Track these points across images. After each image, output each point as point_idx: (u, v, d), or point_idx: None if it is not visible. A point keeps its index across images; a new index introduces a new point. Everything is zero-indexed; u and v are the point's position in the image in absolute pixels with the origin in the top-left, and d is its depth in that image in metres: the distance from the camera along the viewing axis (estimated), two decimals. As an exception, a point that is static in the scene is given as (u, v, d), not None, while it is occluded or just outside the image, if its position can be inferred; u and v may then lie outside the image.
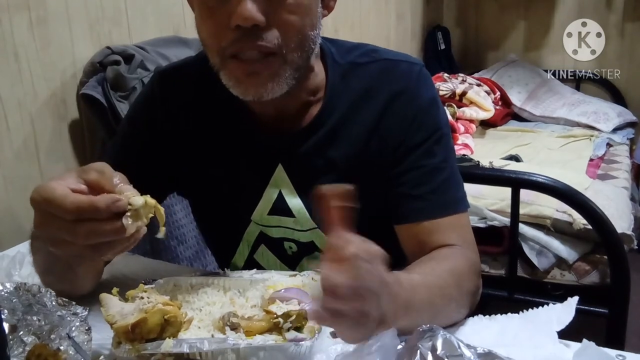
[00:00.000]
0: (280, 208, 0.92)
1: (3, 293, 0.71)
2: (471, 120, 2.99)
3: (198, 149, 0.93)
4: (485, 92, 3.16)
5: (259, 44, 0.76)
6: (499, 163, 2.38)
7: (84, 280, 0.83)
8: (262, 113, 0.89)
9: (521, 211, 1.55)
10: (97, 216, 0.61)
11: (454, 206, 0.87)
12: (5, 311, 0.70)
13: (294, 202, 0.91)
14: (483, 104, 3.03)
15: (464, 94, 3.02)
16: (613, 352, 0.70)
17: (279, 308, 0.70)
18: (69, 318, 0.70)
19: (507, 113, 3.34)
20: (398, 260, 0.84)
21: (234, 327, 0.69)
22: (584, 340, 0.69)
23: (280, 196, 0.91)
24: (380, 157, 0.88)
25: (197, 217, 1.07)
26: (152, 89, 0.96)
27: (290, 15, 0.76)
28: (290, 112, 0.89)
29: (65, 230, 0.62)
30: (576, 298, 0.77)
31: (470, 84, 3.12)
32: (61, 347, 0.68)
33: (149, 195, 0.65)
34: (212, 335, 0.69)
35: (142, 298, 0.69)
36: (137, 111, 0.97)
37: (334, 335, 0.74)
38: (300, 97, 0.88)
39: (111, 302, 0.69)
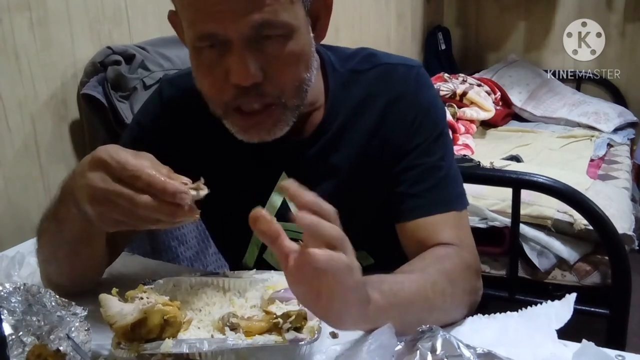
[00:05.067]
0: (285, 214, 0.92)
1: (3, 293, 0.72)
2: (472, 121, 2.99)
3: (203, 155, 0.94)
4: (486, 92, 3.16)
5: (259, 97, 0.78)
6: (499, 163, 2.38)
7: (85, 268, 0.85)
8: None
9: (522, 212, 1.54)
10: (161, 197, 0.66)
11: (451, 204, 0.87)
12: (5, 311, 0.70)
13: None
14: (484, 104, 3.03)
15: (464, 94, 3.02)
16: (612, 353, 0.70)
17: (278, 308, 0.70)
18: (68, 318, 0.71)
19: (508, 113, 3.34)
20: (401, 260, 0.84)
21: (234, 328, 0.69)
22: (584, 340, 0.69)
23: (284, 203, 0.92)
24: (381, 160, 0.89)
25: (204, 219, 1.08)
26: (159, 96, 0.98)
27: (287, 67, 0.78)
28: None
29: (125, 196, 0.66)
30: (574, 295, 0.77)
31: (470, 84, 3.12)
32: (61, 348, 0.68)
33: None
34: (212, 336, 0.69)
35: (142, 298, 0.69)
36: (144, 118, 0.99)
37: (333, 335, 0.74)
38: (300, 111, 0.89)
39: (111, 302, 0.69)
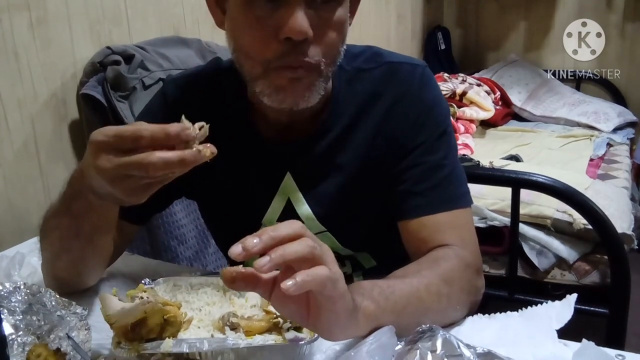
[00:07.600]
0: (289, 215, 0.92)
1: (3, 293, 0.72)
2: (471, 120, 2.99)
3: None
4: (486, 92, 3.16)
5: (303, 59, 0.77)
6: (499, 163, 2.39)
7: (98, 260, 0.85)
8: (274, 121, 0.89)
9: (521, 211, 1.54)
10: (169, 143, 0.64)
11: (454, 202, 0.87)
12: (5, 311, 0.70)
13: (303, 208, 0.92)
14: (483, 104, 3.03)
15: (464, 94, 3.02)
16: (612, 352, 0.70)
17: (278, 308, 0.70)
18: (68, 318, 0.71)
19: (507, 113, 3.34)
20: (403, 262, 0.84)
21: (234, 327, 0.69)
22: (584, 340, 0.69)
23: (289, 204, 0.92)
24: (385, 158, 0.89)
25: (206, 219, 1.07)
26: (163, 96, 0.97)
27: (332, 32, 0.78)
28: (301, 119, 0.89)
29: (134, 164, 0.64)
30: (575, 296, 0.77)
31: (470, 84, 3.12)
32: (61, 347, 0.68)
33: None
34: (212, 335, 0.69)
35: (142, 298, 0.70)
36: (147, 119, 0.97)
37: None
38: (314, 105, 0.89)
39: (111, 302, 0.69)
